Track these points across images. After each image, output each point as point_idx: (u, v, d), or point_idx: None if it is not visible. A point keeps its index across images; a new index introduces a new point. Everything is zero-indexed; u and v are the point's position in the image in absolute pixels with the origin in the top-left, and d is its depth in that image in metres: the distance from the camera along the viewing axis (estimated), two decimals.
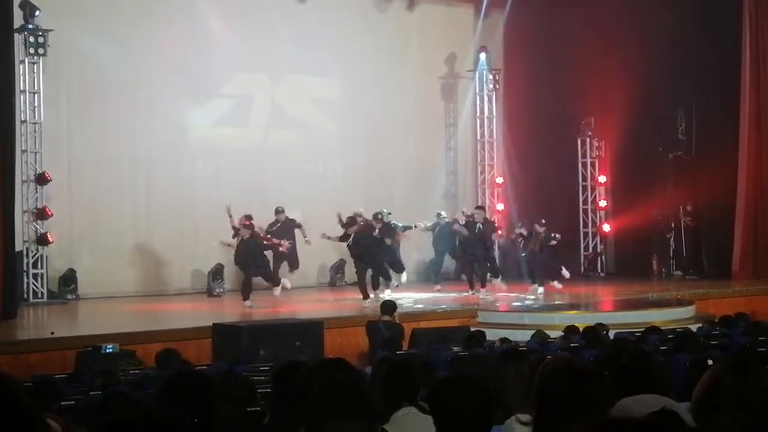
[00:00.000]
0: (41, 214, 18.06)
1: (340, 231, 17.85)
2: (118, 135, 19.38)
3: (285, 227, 18.63)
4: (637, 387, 4.25)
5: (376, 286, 17.72)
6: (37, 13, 17.99)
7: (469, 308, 16.35)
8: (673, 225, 22.69)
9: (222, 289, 19.55)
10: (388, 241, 17.92)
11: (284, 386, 4.27)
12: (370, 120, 21.94)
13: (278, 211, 18.73)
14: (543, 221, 19.50)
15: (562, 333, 11.74)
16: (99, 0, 19.05)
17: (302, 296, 18.92)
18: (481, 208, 19.93)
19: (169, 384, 4.20)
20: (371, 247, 17.66)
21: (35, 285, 17.97)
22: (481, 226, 18.64)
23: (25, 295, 17.72)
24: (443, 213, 20.44)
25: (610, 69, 21.35)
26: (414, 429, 4.73)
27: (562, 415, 3.31)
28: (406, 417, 4.87)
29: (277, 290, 17.90)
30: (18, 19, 17.62)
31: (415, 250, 21.42)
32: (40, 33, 18.02)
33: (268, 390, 6.14)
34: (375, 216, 18.13)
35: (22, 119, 17.89)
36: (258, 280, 18.05)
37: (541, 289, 18.95)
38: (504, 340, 11.33)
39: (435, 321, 15.17)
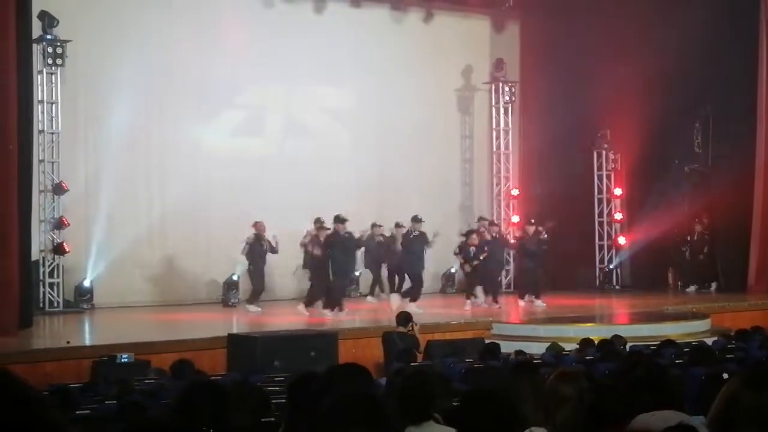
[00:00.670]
0: (58, 224, 18.14)
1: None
2: (135, 145, 19.45)
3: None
4: (651, 400, 4.24)
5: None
6: (56, 23, 18.11)
7: (484, 320, 16.32)
8: (688, 238, 22.61)
9: (237, 300, 19.57)
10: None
11: (299, 397, 4.28)
12: (385, 131, 21.96)
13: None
14: (532, 221, 19.56)
15: (577, 346, 11.72)
16: (116, 11, 19.15)
17: (317, 307, 18.93)
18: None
19: (185, 394, 4.22)
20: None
21: (51, 294, 18.04)
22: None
23: (41, 305, 17.79)
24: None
25: (626, 81, 21.28)
26: None
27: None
28: (421, 429, 4.87)
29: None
30: (36, 30, 17.73)
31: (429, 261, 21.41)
32: (58, 44, 18.12)
33: (283, 401, 6.15)
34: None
35: (40, 129, 17.99)
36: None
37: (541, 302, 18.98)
38: (519, 352, 11.31)
39: (449, 333, 15.16)
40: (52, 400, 7.03)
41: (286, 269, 20.32)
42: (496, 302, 18.57)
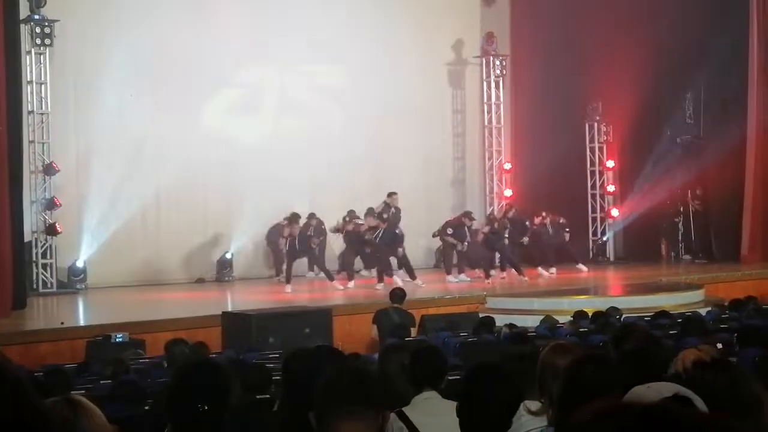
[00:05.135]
0: (50, 205, 18.10)
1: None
2: (127, 124, 19.37)
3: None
4: (644, 371, 4.25)
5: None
6: (43, 3, 18.00)
7: (478, 294, 16.35)
8: (681, 209, 22.64)
9: (231, 277, 19.59)
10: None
11: (294, 374, 4.28)
12: (377, 107, 21.89)
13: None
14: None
15: (571, 318, 11.75)
16: None
17: (311, 284, 18.98)
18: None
19: (182, 372, 4.21)
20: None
21: (44, 275, 18.02)
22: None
23: (35, 286, 17.78)
24: None
25: (617, 53, 21.26)
26: (433, 413, 4.75)
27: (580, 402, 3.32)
28: (426, 402, 4.89)
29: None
30: (24, 10, 17.64)
31: (422, 236, 21.42)
32: (46, 23, 18.02)
33: (278, 378, 6.15)
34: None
35: (29, 110, 17.92)
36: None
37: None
38: (510, 325, 11.31)
39: (443, 307, 15.18)
40: (46, 380, 7.03)
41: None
42: (488, 277, 18.67)
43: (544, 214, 20.51)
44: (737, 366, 3.87)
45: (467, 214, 19.77)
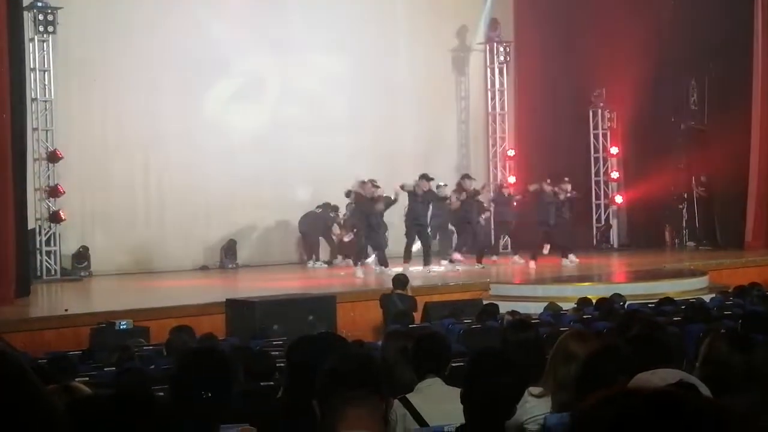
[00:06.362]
0: (53, 192, 18.11)
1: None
2: (130, 112, 19.36)
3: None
4: (648, 357, 4.24)
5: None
6: None
7: (482, 281, 16.35)
8: (685, 195, 22.60)
9: (235, 265, 19.59)
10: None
11: (297, 361, 4.28)
12: (380, 94, 21.86)
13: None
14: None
15: (575, 305, 11.74)
16: None
17: (315, 271, 18.99)
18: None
19: (186, 360, 4.22)
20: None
21: (48, 262, 18.05)
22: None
23: (39, 273, 17.80)
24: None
25: (621, 39, 21.20)
26: (437, 399, 4.77)
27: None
28: (430, 388, 4.91)
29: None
30: None
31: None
32: (50, 10, 18.00)
33: (282, 365, 6.16)
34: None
35: (33, 97, 17.92)
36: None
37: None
38: (513, 312, 11.30)
39: (447, 294, 15.17)
40: (50, 367, 7.04)
41: (286, 233, 20.42)
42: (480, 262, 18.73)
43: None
44: (759, 343, 3.85)
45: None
